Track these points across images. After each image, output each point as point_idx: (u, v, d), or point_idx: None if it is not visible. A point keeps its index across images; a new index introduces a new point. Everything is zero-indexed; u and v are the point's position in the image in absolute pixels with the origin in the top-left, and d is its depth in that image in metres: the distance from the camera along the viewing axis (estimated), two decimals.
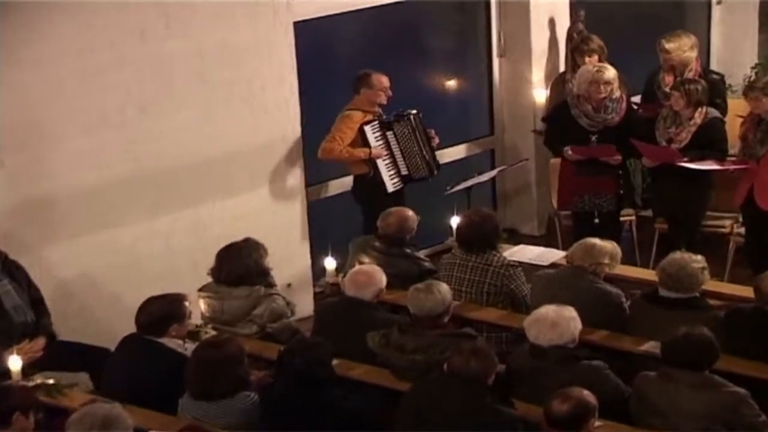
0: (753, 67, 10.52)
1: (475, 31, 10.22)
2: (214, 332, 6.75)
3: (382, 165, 8.78)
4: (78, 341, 7.23)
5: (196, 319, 6.87)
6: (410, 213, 7.74)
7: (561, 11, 10.10)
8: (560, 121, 8.87)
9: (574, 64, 9.45)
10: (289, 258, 8.78)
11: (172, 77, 8.09)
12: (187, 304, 6.48)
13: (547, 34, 10.13)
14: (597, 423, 5.50)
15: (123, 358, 6.44)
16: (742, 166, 8.38)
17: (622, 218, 9.09)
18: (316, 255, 8.79)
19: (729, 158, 8.54)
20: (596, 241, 7.07)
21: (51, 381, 6.47)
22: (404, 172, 8.87)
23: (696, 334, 5.80)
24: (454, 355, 5.78)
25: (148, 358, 6.30)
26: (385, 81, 8.71)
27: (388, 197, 8.63)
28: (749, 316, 6.50)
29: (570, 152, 8.71)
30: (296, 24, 8.64)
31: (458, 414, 5.62)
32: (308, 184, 9.03)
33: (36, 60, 7.46)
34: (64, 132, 7.67)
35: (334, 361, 6.10)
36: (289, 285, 8.65)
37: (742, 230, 8.79)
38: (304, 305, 8.52)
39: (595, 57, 9.26)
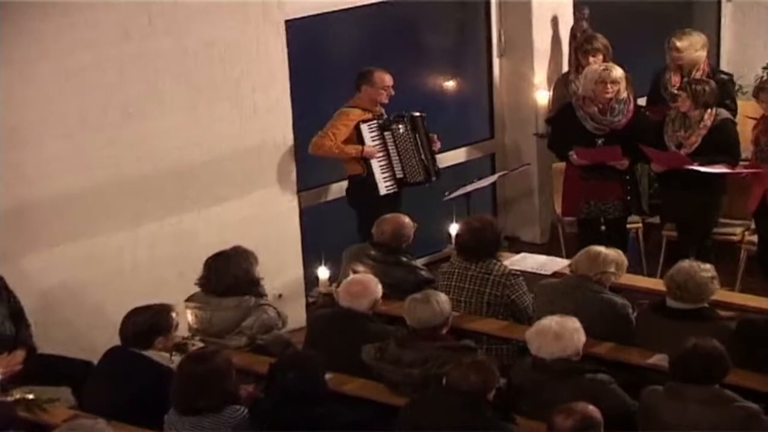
0: (765, 68, 10.55)
1: (475, 29, 10.24)
2: (202, 344, 6.76)
3: (376, 165, 8.80)
4: (59, 354, 7.24)
5: (183, 331, 6.87)
6: (406, 219, 7.76)
7: (564, 9, 10.11)
8: (565, 124, 8.88)
9: (577, 64, 9.47)
10: (281, 267, 8.78)
11: (156, 78, 8.09)
12: (173, 315, 6.48)
13: (549, 32, 10.14)
14: None
15: (106, 371, 6.45)
16: (755, 171, 8.40)
17: (628, 225, 9.10)
18: (309, 264, 8.80)
19: (741, 162, 8.56)
20: (601, 249, 7.08)
21: (31, 396, 6.46)
22: (399, 175, 8.89)
23: (706, 346, 5.80)
24: (453, 369, 5.79)
25: (133, 371, 6.30)
26: (387, 79, 8.74)
27: (383, 202, 8.65)
28: (761, 328, 6.50)
29: (575, 156, 8.73)
30: (288, 22, 8.66)
31: (457, 431, 5.62)
32: (300, 190, 9.04)
33: (12, 60, 7.47)
34: (42, 135, 7.67)
35: (327, 375, 6.11)
36: (280, 295, 8.65)
37: (754, 238, 8.80)
38: (296, 316, 8.50)
39: (600, 56, 9.28)
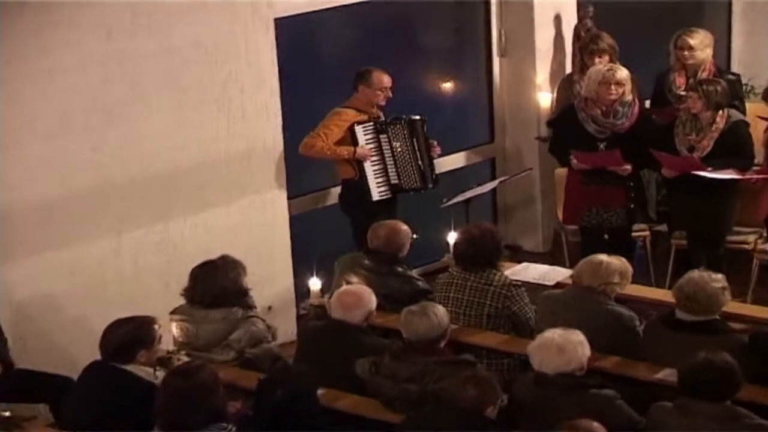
0: None
1: (474, 28, 10.25)
2: (187, 359, 6.74)
3: (370, 169, 8.80)
4: (37, 369, 7.22)
5: (168, 345, 6.86)
6: (403, 227, 7.75)
7: (567, 7, 10.13)
8: (566, 127, 8.88)
9: (582, 64, 9.46)
10: (270, 277, 8.78)
11: (141, 79, 8.09)
12: (156, 327, 6.46)
13: (552, 31, 10.15)
14: None
15: (87, 387, 6.42)
16: (766, 177, 8.39)
17: (634, 233, 9.09)
18: (300, 274, 8.78)
19: (754, 167, 8.56)
20: (603, 257, 7.06)
21: (7, 413, 6.45)
22: (394, 180, 8.89)
23: (716, 360, 5.79)
24: (450, 383, 5.78)
25: (115, 387, 6.28)
26: (386, 80, 8.75)
27: (377, 208, 8.66)
28: None
29: (575, 160, 8.72)
30: (278, 21, 8.66)
31: None
32: (291, 197, 9.04)
33: None
34: (21, 138, 7.66)
35: (319, 391, 6.08)
36: (269, 307, 8.65)
37: (767, 246, 8.80)
38: (287, 329, 8.51)
39: (606, 57, 9.27)
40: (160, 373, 6.32)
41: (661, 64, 9.50)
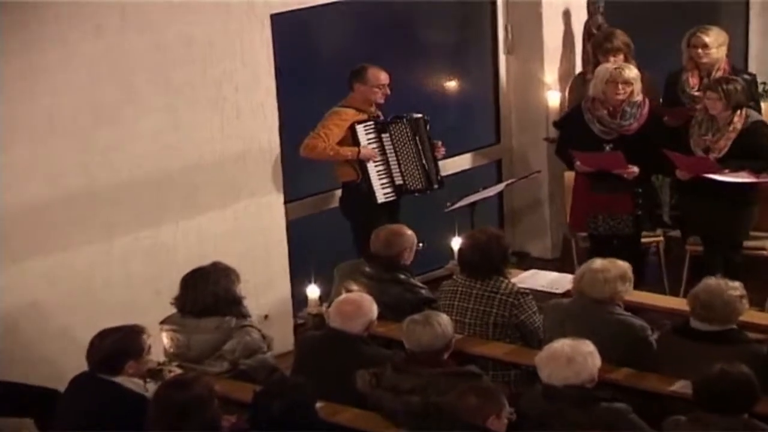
0: None
1: (479, 23, 10.24)
2: (178, 370, 6.73)
3: (373, 171, 8.81)
4: (22, 382, 7.21)
5: (158, 356, 6.85)
6: (407, 231, 7.73)
7: (577, 2, 10.12)
8: (572, 128, 8.88)
9: (596, 63, 9.39)
10: (266, 285, 8.78)
11: (131, 78, 8.09)
12: (145, 337, 6.46)
13: (561, 27, 10.15)
14: None
15: (74, 400, 6.41)
16: None
17: (646, 239, 9.08)
18: (297, 282, 8.78)
19: None
20: (598, 266, 6.98)
21: None
22: (398, 181, 8.89)
23: (733, 372, 5.78)
24: (453, 394, 5.76)
25: (103, 400, 6.27)
26: (382, 77, 8.74)
27: (379, 211, 8.66)
28: None
29: (578, 162, 8.72)
30: (274, 17, 8.66)
31: None
32: (288, 200, 9.03)
33: None
34: (5, 140, 7.65)
35: (318, 404, 6.09)
36: (265, 316, 8.65)
37: None
38: (283, 339, 8.50)
39: (621, 56, 9.23)
40: (151, 386, 6.32)
41: (672, 64, 9.49)
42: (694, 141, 8.56)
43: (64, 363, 7.22)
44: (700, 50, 9.10)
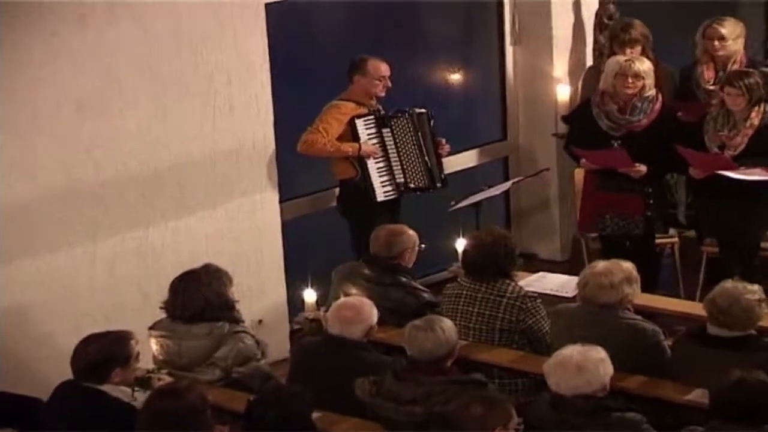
0: None
1: (485, 14, 10.25)
2: (168, 378, 6.73)
3: (373, 168, 8.81)
4: (4, 390, 7.20)
5: (147, 363, 6.85)
6: (408, 231, 7.74)
7: None
8: (580, 123, 8.88)
9: (611, 55, 9.34)
10: (260, 289, 8.78)
11: (117, 70, 8.09)
12: (133, 343, 6.45)
13: (571, 17, 10.16)
14: None
15: (57, 410, 6.41)
16: None
17: (661, 241, 9.07)
18: (293, 285, 8.77)
19: None
20: (601, 270, 6.98)
21: None
22: (400, 179, 8.89)
23: (752, 380, 5.78)
24: (457, 403, 5.76)
25: (88, 409, 6.26)
26: (383, 69, 8.75)
27: (379, 211, 8.66)
28: None
29: (583, 159, 8.72)
30: (268, 6, 8.66)
31: None
32: (283, 199, 9.04)
33: None
34: None
35: (315, 414, 6.08)
36: (260, 321, 8.66)
37: None
38: (279, 345, 8.49)
39: (639, 48, 9.20)
40: (139, 394, 6.32)
41: (686, 57, 9.47)
42: (709, 137, 8.55)
43: (46, 370, 7.24)
44: (716, 42, 9.10)
